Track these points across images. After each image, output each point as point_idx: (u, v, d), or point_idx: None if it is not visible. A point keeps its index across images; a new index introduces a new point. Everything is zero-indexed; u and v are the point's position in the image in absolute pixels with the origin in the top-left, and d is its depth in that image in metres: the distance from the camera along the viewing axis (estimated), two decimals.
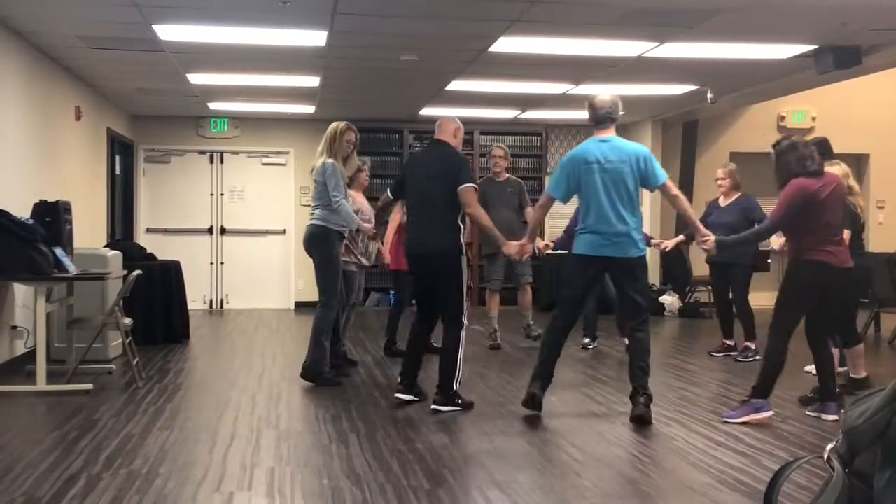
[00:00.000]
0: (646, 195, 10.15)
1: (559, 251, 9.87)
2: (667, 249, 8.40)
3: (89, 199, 10.62)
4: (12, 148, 8.03)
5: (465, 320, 6.33)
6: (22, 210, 7.32)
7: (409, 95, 11.44)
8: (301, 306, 13.41)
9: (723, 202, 8.82)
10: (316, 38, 7.98)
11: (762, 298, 13.57)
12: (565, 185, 6.12)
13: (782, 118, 13.83)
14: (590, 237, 6.01)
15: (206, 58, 9.05)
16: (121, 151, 12.84)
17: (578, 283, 6.18)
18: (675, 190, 6.23)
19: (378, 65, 9.43)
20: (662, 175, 6.11)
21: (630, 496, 4.41)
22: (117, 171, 12.61)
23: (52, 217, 7.42)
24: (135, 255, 9.67)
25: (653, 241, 8.19)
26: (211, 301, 13.84)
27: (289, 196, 13.85)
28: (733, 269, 8.65)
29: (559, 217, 12.00)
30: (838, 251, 5.94)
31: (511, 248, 6.56)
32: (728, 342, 8.99)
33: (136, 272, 7.47)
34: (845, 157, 7.59)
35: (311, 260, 7.36)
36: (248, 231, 13.90)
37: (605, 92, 6.37)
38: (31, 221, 7.06)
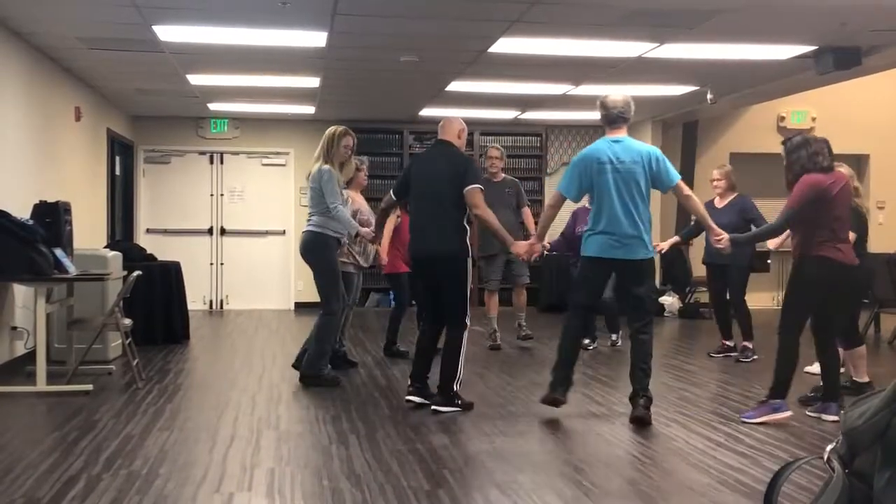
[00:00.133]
0: None
1: (555, 253, 9.91)
2: (662, 251, 8.38)
3: (89, 200, 10.63)
4: (12, 148, 8.04)
5: (467, 322, 6.32)
6: (22, 211, 7.32)
7: (409, 96, 11.44)
8: (301, 307, 13.41)
9: (719, 203, 8.82)
10: (316, 38, 7.98)
11: (762, 299, 13.64)
12: (577, 185, 6.08)
13: (782, 119, 13.84)
14: (601, 238, 5.97)
15: (206, 58, 9.05)
16: (121, 152, 12.85)
17: (590, 285, 6.14)
18: (687, 190, 6.21)
19: (378, 65, 9.43)
20: (676, 176, 6.07)
21: (630, 496, 4.41)
22: (117, 172, 12.61)
23: (52, 218, 7.42)
24: (135, 256, 9.67)
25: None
26: (211, 302, 13.84)
27: (289, 197, 13.85)
28: (730, 270, 8.65)
29: (557, 219, 11.98)
30: (845, 248, 5.96)
31: (520, 247, 6.52)
32: (727, 343, 8.99)
33: (136, 273, 7.47)
34: (845, 158, 7.60)
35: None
36: (248, 232, 13.90)
37: (616, 92, 6.26)
38: (31, 222, 7.06)
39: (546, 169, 14.41)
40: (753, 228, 7.95)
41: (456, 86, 10.46)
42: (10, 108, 8.00)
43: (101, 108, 11.49)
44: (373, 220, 7.71)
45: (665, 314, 12.75)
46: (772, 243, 7.17)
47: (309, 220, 7.30)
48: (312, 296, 7.52)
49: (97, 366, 7.76)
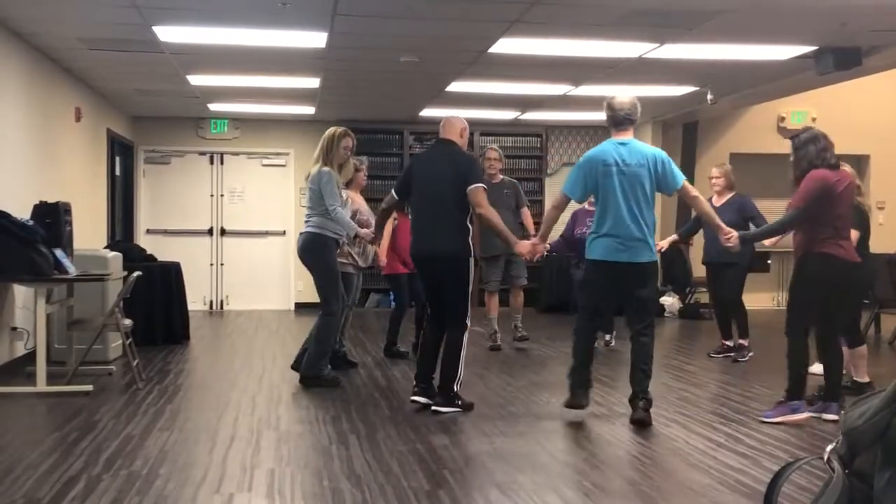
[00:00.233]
0: None
1: (555, 254, 9.92)
2: (662, 250, 8.39)
3: (89, 201, 10.63)
4: (12, 149, 8.04)
5: (468, 322, 6.31)
6: (22, 211, 7.32)
7: (410, 97, 11.44)
8: (301, 307, 13.41)
9: (716, 201, 8.80)
10: (316, 39, 7.98)
11: (762, 300, 13.64)
12: (582, 187, 6.04)
13: (782, 119, 13.84)
14: (606, 241, 5.93)
15: (206, 59, 9.05)
16: (121, 152, 12.85)
17: (596, 287, 6.11)
18: (694, 191, 6.20)
19: (378, 66, 9.43)
20: (681, 177, 6.04)
21: (630, 497, 4.41)
22: (117, 173, 12.61)
23: (53, 218, 7.42)
24: (135, 257, 9.68)
25: None
26: (211, 302, 13.84)
27: (289, 197, 13.85)
28: (729, 269, 8.65)
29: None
30: (847, 245, 5.97)
31: (523, 247, 6.49)
32: (727, 343, 8.99)
33: (136, 273, 7.47)
34: (845, 159, 7.57)
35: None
36: (248, 232, 13.90)
37: (621, 93, 6.21)
38: (31, 222, 7.06)
39: (546, 170, 14.40)
40: (752, 227, 7.94)
41: (456, 86, 10.46)
42: (11, 109, 8.00)
43: (102, 109, 11.49)
44: (372, 221, 7.69)
45: (665, 314, 12.76)
46: (767, 241, 7.16)
47: (308, 221, 7.29)
48: (312, 296, 7.52)
49: (97, 366, 7.75)
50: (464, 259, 6.23)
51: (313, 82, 10.26)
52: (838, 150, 6.14)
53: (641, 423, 5.84)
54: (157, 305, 9.57)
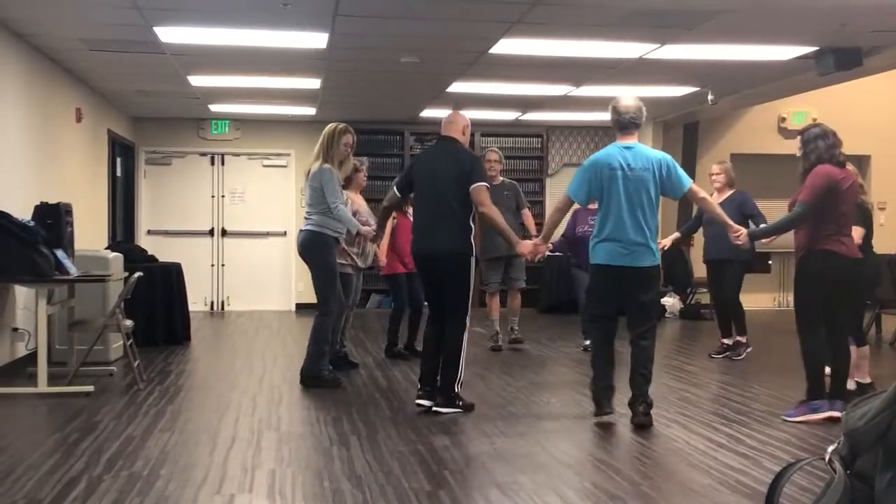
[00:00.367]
0: None
1: (558, 254, 9.93)
2: (665, 248, 8.40)
3: (90, 201, 10.63)
4: (13, 150, 8.04)
5: (467, 322, 6.29)
6: (23, 212, 7.33)
7: (410, 97, 11.44)
8: (302, 308, 13.40)
9: (716, 198, 8.78)
10: (317, 40, 7.98)
11: (763, 300, 13.63)
12: (586, 190, 5.99)
13: (783, 120, 13.84)
14: (608, 246, 5.89)
15: (207, 60, 9.05)
16: (122, 153, 12.85)
17: (603, 293, 6.06)
18: (702, 193, 6.18)
19: (379, 67, 9.43)
20: (687, 180, 6.00)
21: (631, 497, 4.41)
22: (118, 173, 12.62)
23: (53, 219, 7.42)
24: (136, 257, 9.68)
25: None
26: (212, 303, 13.84)
27: (290, 198, 13.85)
28: (728, 266, 8.64)
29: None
30: (848, 242, 5.98)
31: (525, 247, 6.48)
32: (726, 342, 8.99)
33: (137, 274, 7.47)
34: (846, 159, 7.58)
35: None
36: (249, 233, 13.91)
37: (627, 96, 6.15)
38: (32, 223, 7.07)
39: (547, 170, 14.40)
40: (752, 224, 7.93)
41: (457, 87, 10.47)
42: (12, 110, 8.00)
43: (102, 110, 11.50)
44: (372, 222, 7.69)
45: (666, 315, 12.75)
46: (765, 239, 7.16)
47: (308, 219, 7.27)
48: (313, 297, 7.51)
49: (98, 367, 7.75)
50: (465, 258, 6.21)
51: (314, 83, 10.26)
52: None
53: (642, 427, 5.83)
54: (158, 306, 9.57)
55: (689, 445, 5.45)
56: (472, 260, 6.28)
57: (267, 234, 13.95)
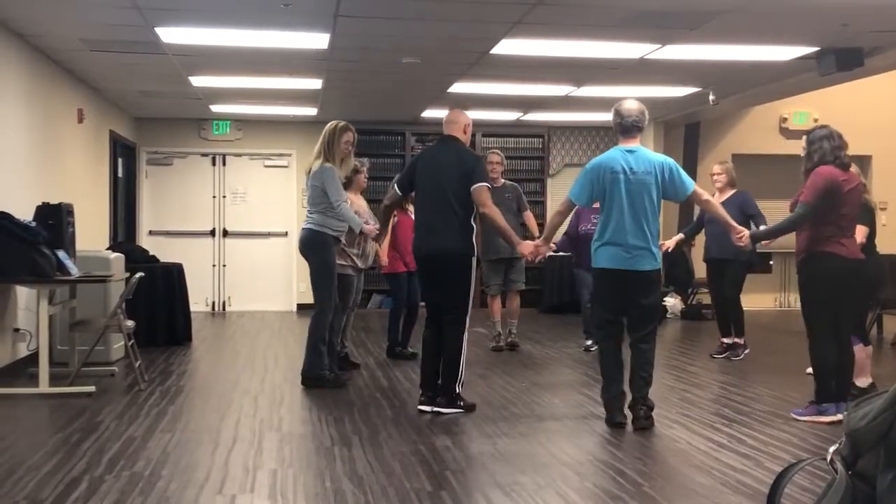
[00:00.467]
0: None
1: (561, 253, 9.92)
2: (669, 250, 8.41)
3: (92, 202, 10.64)
4: (15, 150, 8.05)
5: (467, 322, 6.27)
6: (24, 212, 7.33)
7: (411, 98, 11.45)
8: (303, 308, 13.39)
9: (718, 198, 8.79)
10: (318, 40, 7.99)
11: (763, 300, 13.62)
12: (589, 193, 5.97)
13: (784, 120, 13.84)
14: (610, 249, 5.87)
15: (209, 60, 9.06)
16: (123, 154, 12.86)
17: (608, 298, 6.02)
18: (705, 195, 6.17)
19: (380, 67, 9.43)
20: (690, 184, 5.99)
21: (632, 497, 4.41)
22: (120, 174, 12.62)
23: (55, 219, 7.43)
24: (137, 258, 9.68)
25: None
26: (213, 303, 13.85)
27: (291, 198, 13.85)
28: (729, 265, 8.64)
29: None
30: (849, 243, 5.97)
31: (526, 247, 6.46)
32: (726, 341, 8.98)
33: (139, 274, 7.47)
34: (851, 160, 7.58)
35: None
36: (251, 233, 13.91)
37: (630, 99, 6.14)
38: (33, 224, 7.07)
39: (548, 171, 14.40)
40: (753, 225, 7.93)
41: (458, 87, 10.47)
42: (13, 110, 8.01)
43: (104, 110, 11.50)
44: (372, 223, 7.67)
45: (668, 315, 12.75)
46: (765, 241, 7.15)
47: (308, 218, 7.26)
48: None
49: (100, 367, 7.76)
50: (466, 257, 6.20)
51: (315, 83, 10.27)
52: None
53: (643, 430, 5.81)
54: (160, 306, 9.57)
55: (691, 446, 5.44)
56: (474, 260, 6.26)
57: (268, 235, 13.96)
